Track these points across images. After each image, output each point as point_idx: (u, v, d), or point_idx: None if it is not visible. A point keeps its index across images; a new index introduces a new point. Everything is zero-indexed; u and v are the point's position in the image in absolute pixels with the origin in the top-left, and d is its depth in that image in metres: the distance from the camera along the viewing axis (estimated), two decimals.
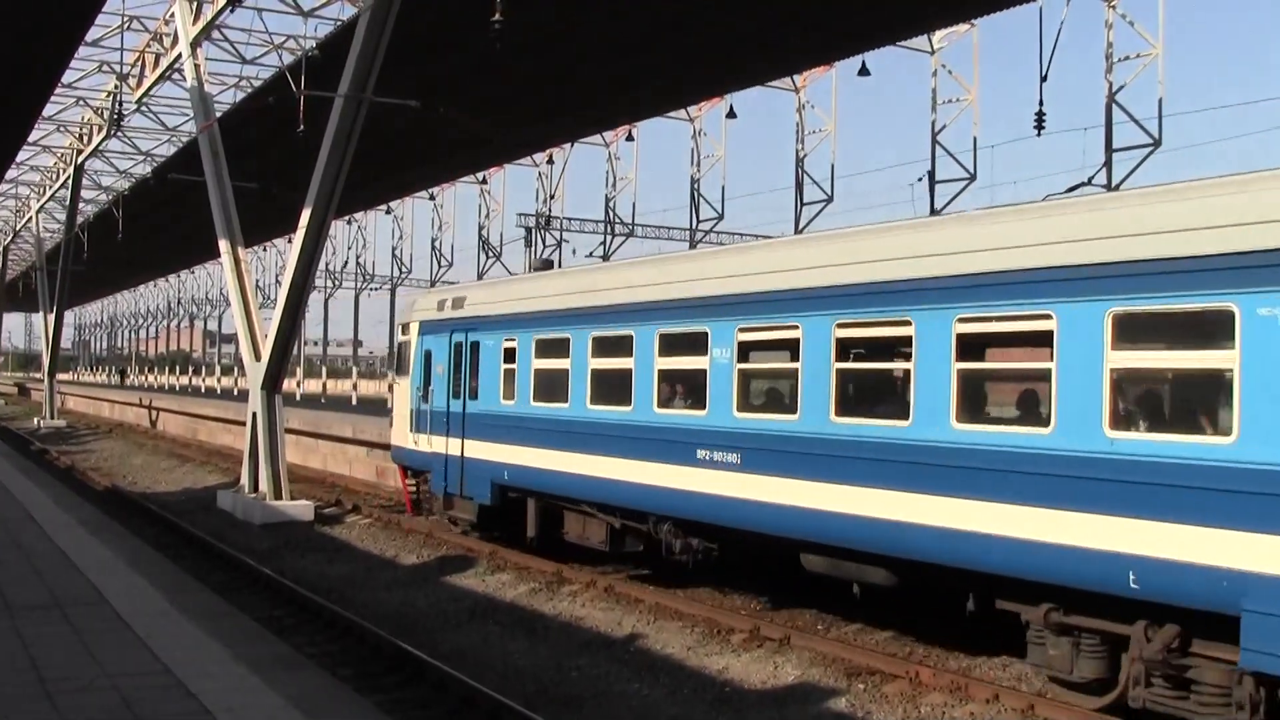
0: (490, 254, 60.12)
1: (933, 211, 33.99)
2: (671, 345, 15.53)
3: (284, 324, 26.88)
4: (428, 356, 22.05)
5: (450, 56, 28.62)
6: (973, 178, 35.11)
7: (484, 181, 59.16)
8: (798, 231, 39.24)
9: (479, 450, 19.97)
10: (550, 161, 54.14)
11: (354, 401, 68.05)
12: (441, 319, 21.68)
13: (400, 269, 71.22)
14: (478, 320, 20.41)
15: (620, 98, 35.27)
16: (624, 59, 29.99)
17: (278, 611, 16.10)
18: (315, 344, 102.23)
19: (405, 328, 23.60)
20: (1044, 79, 29.19)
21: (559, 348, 17.80)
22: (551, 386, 18.03)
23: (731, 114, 46.38)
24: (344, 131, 24.35)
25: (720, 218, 48.85)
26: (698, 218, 49.13)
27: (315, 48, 28.78)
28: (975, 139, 35.72)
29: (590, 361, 17.08)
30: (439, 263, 66.58)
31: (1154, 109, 30.03)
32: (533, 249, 53.09)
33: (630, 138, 50.42)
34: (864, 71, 37.73)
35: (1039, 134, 29.58)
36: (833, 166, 42.10)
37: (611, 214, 53.02)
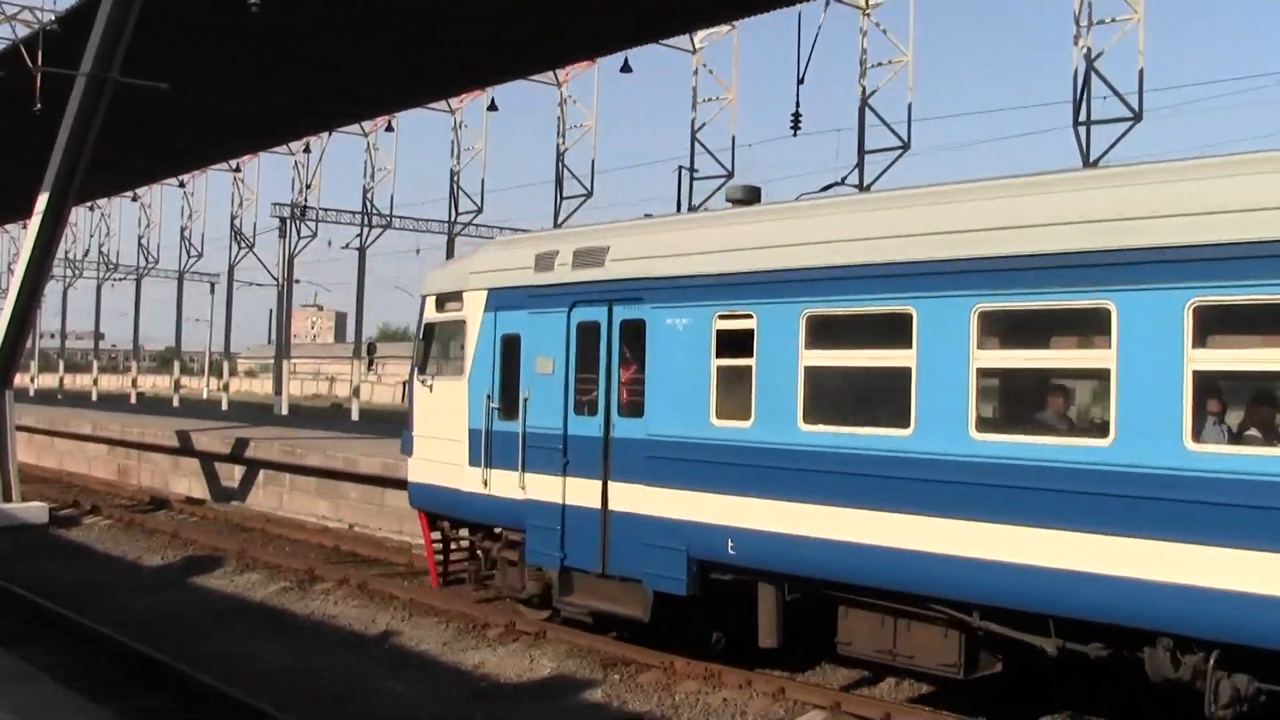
0: (242, 244, 58.25)
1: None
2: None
3: (16, 315, 25.29)
4: (509, 345, 14.37)
5: (204, 38, 27.51)
6: (730, 175, 36.26)
7: (237, 169, 57.21)
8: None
9: (651, 502, 12.51)
10: (307, 150, 52.77)
11: (94, 398, 64.61)
12: (546, 285, 13.91)
13: (147, 258, 68.21)
14: (641, 285, 12.80)
15: (380, 88, 34.69)
16: (384, 48, 29.50)
17: (6, 621, 15.16)
18: (53, 336, 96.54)
19: (442, 301, 15.77)
20: (801, 81, 29.58)
21: (877, 330, 10.94)
22: (851, 398, 11.49)
23: (493, 107, 46.68)
24: (86, 112, 23.08)
25: (479, 210, 48.93)
26: (457, 210, 48.98)
27: (54, 21, 27.16)
28: (734, 137, 36.92)
29: (973, 355, 10.06)
30: (188, 252, 64.25)
31: (904, 113, 31.61)
32: (287, 240, 51.70)
33: (390, 128, 49.75)
34: (626, 68, 38.24)
35: (795, 134, 30.63)
36: (593, 162, 42.67)
37: (369, 205, 52.19)
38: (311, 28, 27.18)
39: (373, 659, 13.72)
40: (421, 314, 16.41)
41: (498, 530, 15.24)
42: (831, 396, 11.45)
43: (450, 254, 49.27)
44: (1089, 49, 27.06)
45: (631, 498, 12.85)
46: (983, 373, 10.14)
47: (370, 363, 31.97)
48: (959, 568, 10.07)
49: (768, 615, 12.05)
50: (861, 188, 28.52)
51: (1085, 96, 27.29)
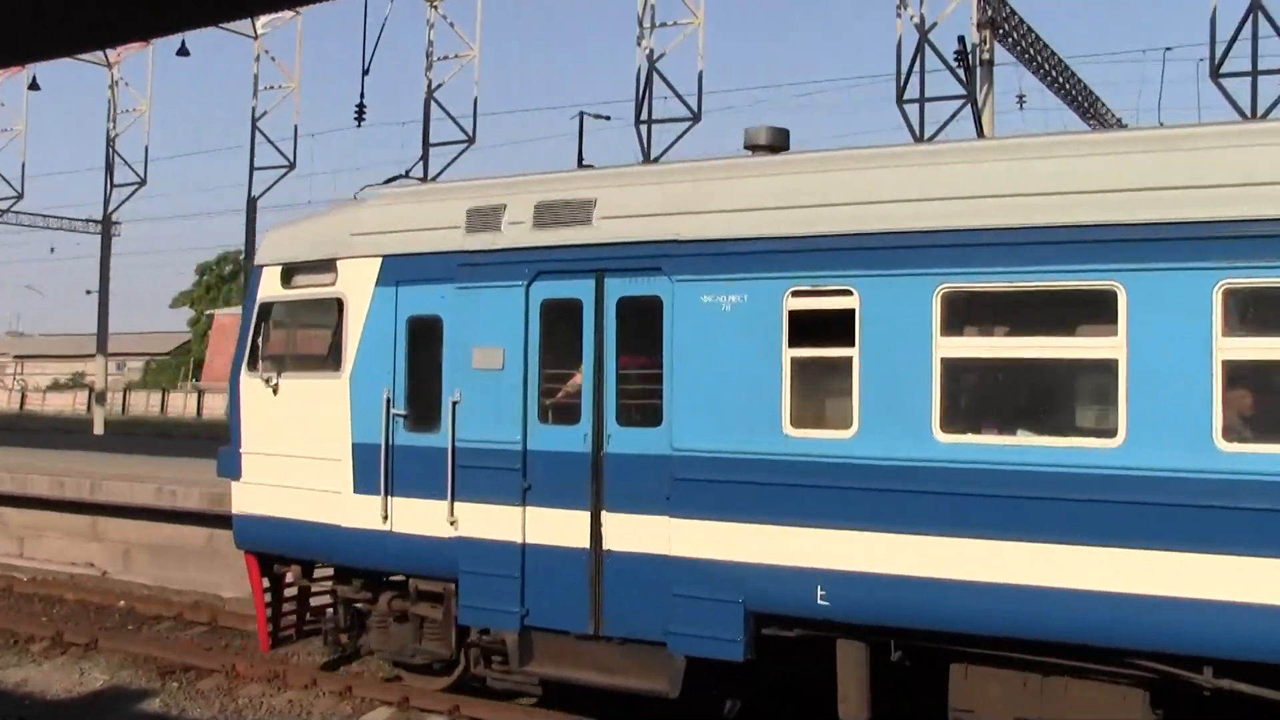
0: None
1: None
2: None
3: None
4: (421, 331, 10.74)
5: None
6: (292, 165, 35.13)
7: None
8: None
9: (682, 540, 9.40)
10: None
11: None
12: (488, 250, 10.31)
13: None
14: (656, 251, 9.58)
15: None
16: None
17: None
18: None
19: (294, 272, 11.69)
20: (366, 72, 31.11)
21: (1060, 312, 8.51)
22: (1017, 399, 8.80)
23: (35, 86, 43.08)
24: None
25: (20, 197, 44.68)
26: None
27: None
28: (296, 126, 35.81)
29: (1218, 344, 7.77)
30: None
31: (469, 108, 31.63)
32: None
33: None
34: (184, 51, 37.53)
35: (359, 125, 31.65)
36: (147, 149, 40.98)
37: None
38: None
39: None
40: (255, 291, 12.15)
41: (388, 578, 11.48)
42: (985, 397, 8.84)
43: None
44: (651, 50, 27.64)
45: (645, 534, 9.59)
46: (1231, 366, 7.85)
47: None
48: (1193, 612, 7.76)
49: (857, 681, 9.21)
50: (425, 181, 27.10)
51: (647, 96, 27.81)
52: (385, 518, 10.84)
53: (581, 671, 9.97)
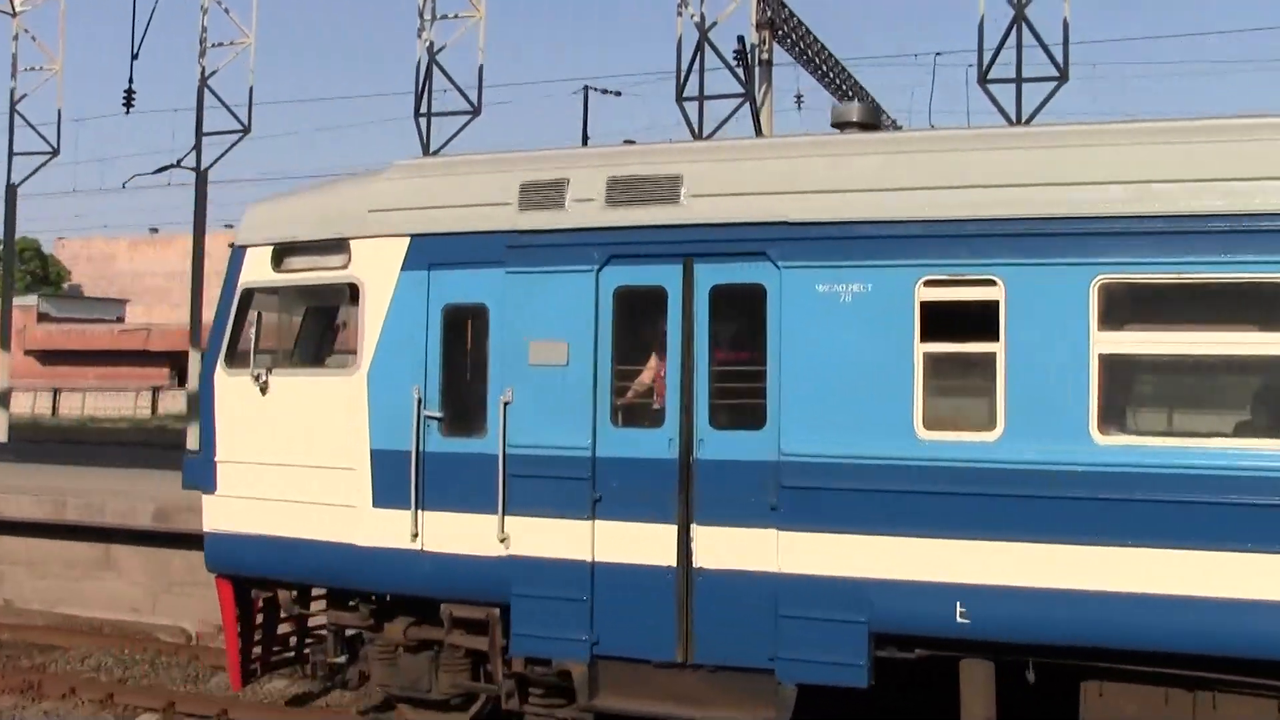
0: None
1: None
2: None
3: None
4: (461, 322, 9.56)
5: None
6: (55, 152, 32.36)
7: None
8: None
9: (792, 554, 8.43)
10: None
11: None
12: (547, 230, 9.15)
13: None
14: (761, 234, 8.56)
15: None
16: None
17: None
18: None
19: (289, 253, 10.23)
20: (135, 57, 29.93)
21: (1240, 304, 7.85)
22: (1185, 397, 8.37)
23: None
24: None
25: None
26: None
27: None
28: (60, 111, 33.22)
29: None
30: None
31: (245, 96, 30.10)
32: None
33: None
34: None
35: (128, 112, 30.34)
36: None
37: None
38: None
39: None
40: (235, 275, 10.54)
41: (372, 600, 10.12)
42: (1149, 396, 8.19)
43: None
44: (432, 43, 27.44)
45: (745, 549, 8.59)
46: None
47: None
48: None
49: (984, 701, 8.40)
50: (199, 170, 27.11)
51: (427, 89, 27.60)
52: (415, 535, 9.46)
53: (664, 705, 8.84)
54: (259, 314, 10.33)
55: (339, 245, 9.97)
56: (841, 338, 8.39)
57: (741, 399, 8.78)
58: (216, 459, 10.46)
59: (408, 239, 9.66)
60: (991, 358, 8.07)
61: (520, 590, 9.13)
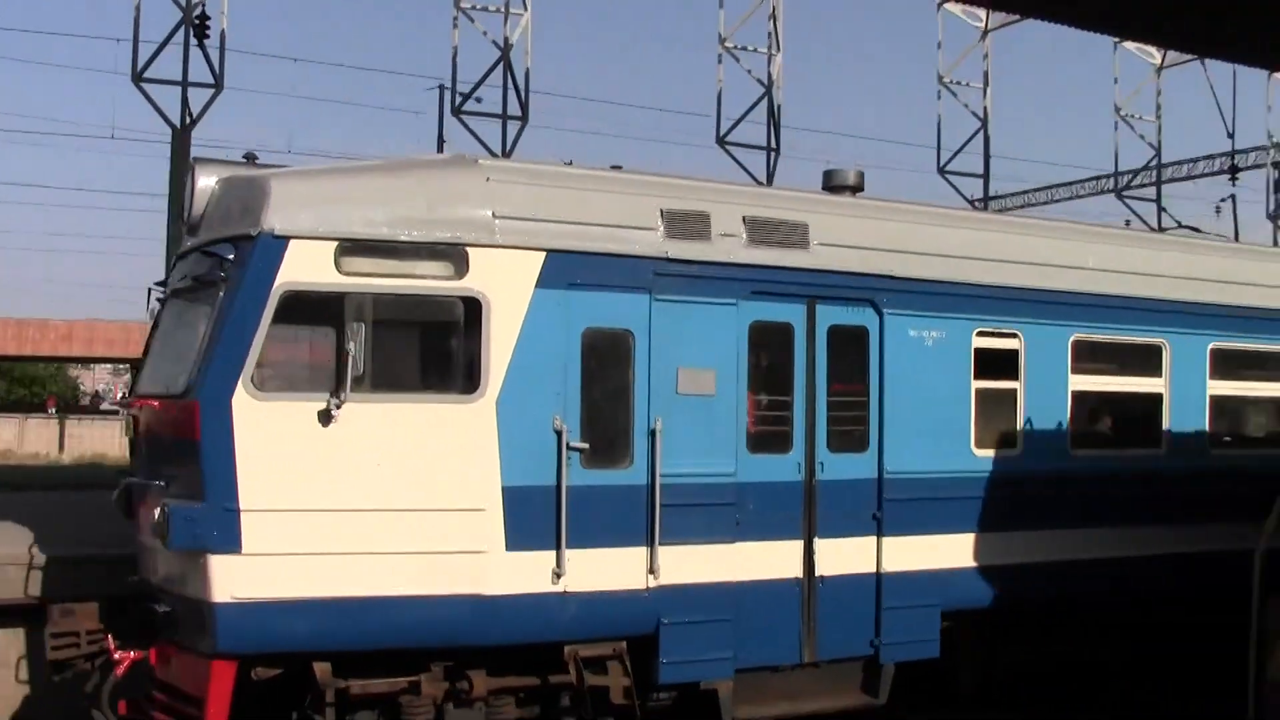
0: None
1: None
2: None
3: None
4: (605, 348, 8.77)
5: None
6: None
7: None
8: None
9: (892, 555, 9.76)
10: None
11: None
12: (693, 261, 8.93)
13: None
14: (870, 283, 9.56)
15: None
16: None
17: None
18: None
19: (363, 252, 8.20)
20: None
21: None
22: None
23: None
24: None
25: None
26: None
27: None
28: None
29: None
30: None
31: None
32: None
33: None
34: None
35: None
36: None
37: None
38: None
39: None
40: (266, 272, 8.18)
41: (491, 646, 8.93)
42: (1100, 420, 11.68)
43: None
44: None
45: (855, 556, 9.98)
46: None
47: None
48: None
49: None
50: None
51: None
52: (558, 576, 8.78)
53: (792, 704, 9.72)
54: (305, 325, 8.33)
55: (451, 251, 8.58)
56: (925, 374, 10.25)
57: (851, 425, 10.04)
58: (240, 508, 8.11)
59: (543, 254, 8.81)
60: (1014, 393, 10.72)
61: (670, 618, 9.14)
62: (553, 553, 8.75)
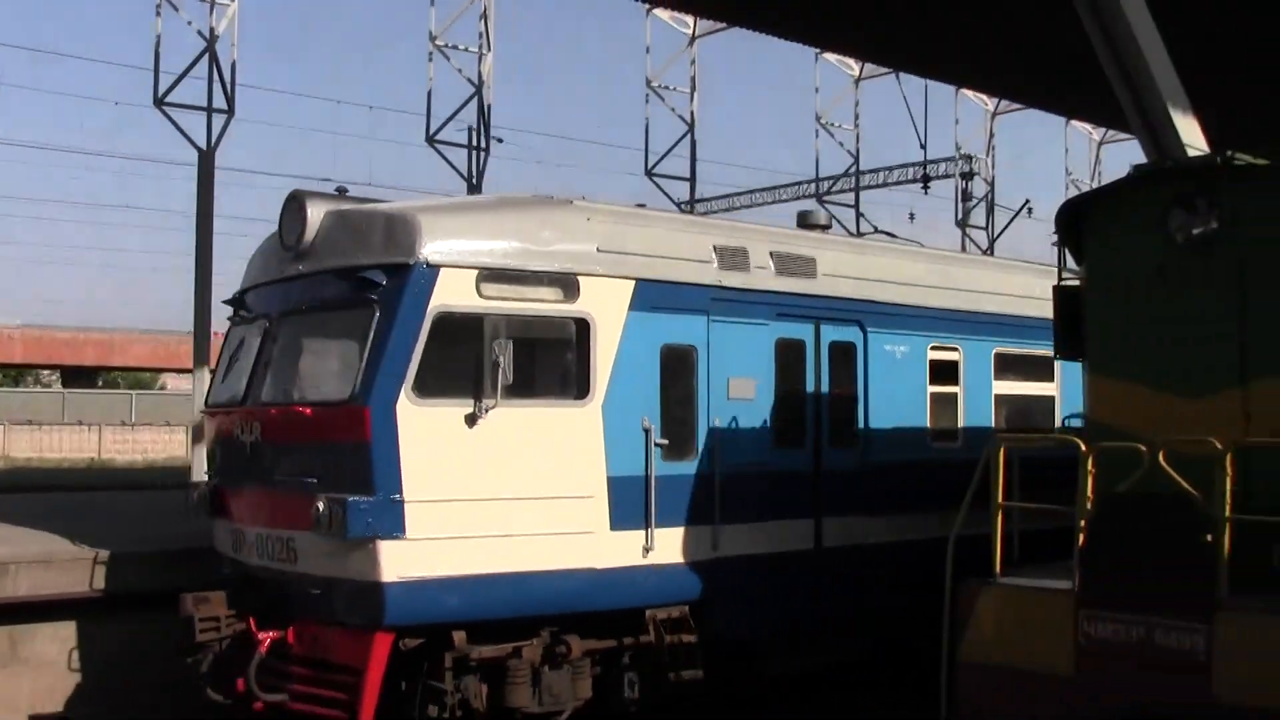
0: None
1: None
2: None
3: None
4: (675, 360, 10.79)
5: None
6: None
7: None
8: None
9: (877, 530, 11.95)
10: None
11: None
12: (739, 289, 11.29)
13: None
14: (865, 308, 12.01)
15: None
16: None
17: None
18: None
19: (501, 279, 9.87)
20: None
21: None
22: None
23: None
24: None
25: None
26: None
27: None
28: None
29: None
30: None
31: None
32: None
33: None
34: None
35: None
36: None
37: None
38: None
39: None
40: (424, 296, 9.56)
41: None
42: (1008, 418, 13.96)
43: None
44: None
45: (846, 531, 12.06)
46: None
47: None
48: None
49: None
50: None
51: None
52: (647, 551, 10.50)
53: (814, 656, 11.84)
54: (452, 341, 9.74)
55: (565, 280, 10.18)
56: (896, 381, 12.51)
57: (845, 424, 12.16)
58: (404, 499, 9.46)
59: (633, 282, 10.53)
60: (955, 396, 13.13)
61: (727, 584, 10.99)
62: (643, 531, 10.47)
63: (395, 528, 9.40)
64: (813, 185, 36.40)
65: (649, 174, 30.66)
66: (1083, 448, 8.50)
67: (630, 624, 10.67)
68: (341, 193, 10.93)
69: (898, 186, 36.08)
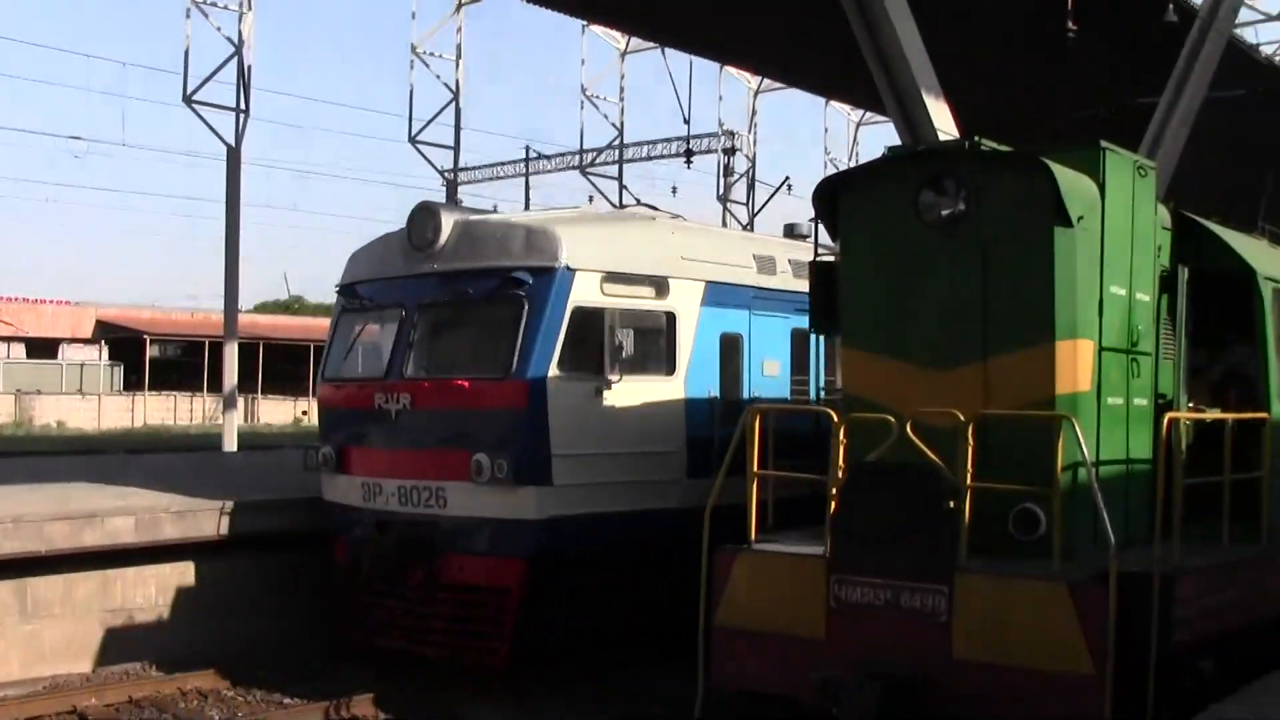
0: None
1: None
2: None
3: None
4: (729, 345, 13.71)
5: None
6: None
7: None
8: None
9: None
10: None
11: None
12: (770, 289, 14.24)
13: None
14: None
15: None
16: None
17: None
18: None
19: (618, 281, 12.40)
20: None
21: None
22: None
23: None
24: None
25: None
26: None
27: None
28: None
29: None
30: None
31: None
32: None
33: None
34: None
35: None
36: None
37: None
38: None
39: None
40: (566, 293, 12.09)
41: None
42: None
43: None
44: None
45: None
46: None
47: None
48: None
49: None
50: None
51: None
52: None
53: None
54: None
55: (658, 281, 12.90)
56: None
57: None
58: (551, 454, 12.00)
59: (703, 284, 13.32)
60: None
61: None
62: (709, 481, 13.23)
63: (544, 477, 11.91)
64: (576, 157, 36.99)
65: (412, 141, 30.77)
66: (835, 418, 9.13)
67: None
68: (456, 202, 13.32)
69: (661, 160, 36.72)
